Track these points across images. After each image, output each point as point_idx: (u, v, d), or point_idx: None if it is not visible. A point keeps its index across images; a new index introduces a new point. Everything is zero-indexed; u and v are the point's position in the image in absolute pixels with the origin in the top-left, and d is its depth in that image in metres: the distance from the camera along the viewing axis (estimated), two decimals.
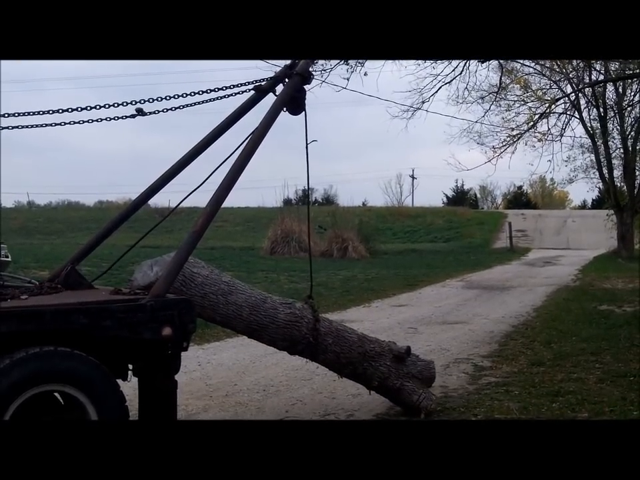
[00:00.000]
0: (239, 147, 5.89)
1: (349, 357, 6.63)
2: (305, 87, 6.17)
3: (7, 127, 5.54)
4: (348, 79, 15.83)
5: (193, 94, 5.88)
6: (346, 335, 6.70)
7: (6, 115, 5.38)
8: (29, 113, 5.57)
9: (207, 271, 6.19)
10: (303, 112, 6.20)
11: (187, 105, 5.99)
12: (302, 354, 6.62)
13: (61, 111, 5.53)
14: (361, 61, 15.14)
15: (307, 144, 6.31)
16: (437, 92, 18.68)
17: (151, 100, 5.76)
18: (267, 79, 6.22)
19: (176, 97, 5.82)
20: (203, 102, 6.06)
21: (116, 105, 5.66)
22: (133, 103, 5.70)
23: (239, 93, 6.11)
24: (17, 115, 5.46)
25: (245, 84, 6.05)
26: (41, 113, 5.57)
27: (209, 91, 5.91)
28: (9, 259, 16.21)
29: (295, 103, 6.12)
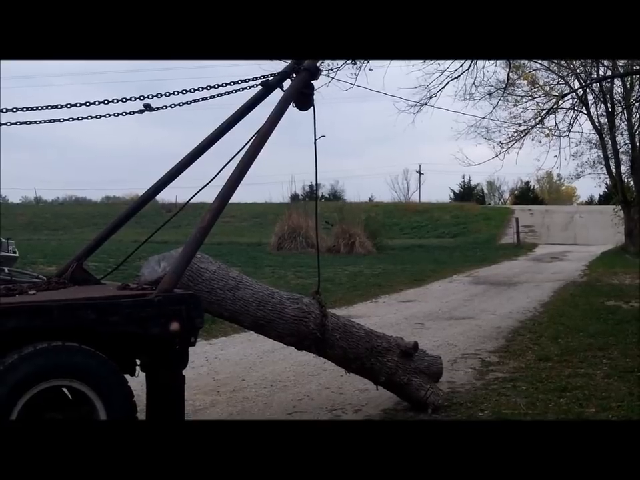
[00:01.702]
0: (248, 142, 5.88)
1: (356, 352, 6.63)
2: (312, 82, 6.16)
3: (15, 123, 5.55)
4: (356, 75, 15.82)
5: (200, 89, 5.88)
6: (353, 331, 6.70)
7: (14, 110, 5.38)
8: (35, 108, 5.58)
9: (215, 266, 6.20)
10: (311, 108, 6.19)
11: (195, 100, 5.98)
12: (309, 349, 6.61)
13: (69, 105, 5.53)
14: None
15: (315, 140, 6.30)
16: (444, 87, 18.65)
17: (159, 95, 5.76)
18: (274, 74, 6.21)
19: (184, 92, 5.82)
20: (210, 97, 6.05)
21: (124, 99, 5.66)
22: (141, 98, 5.71)
23: (246, 88, 6.10)
24: (24, 109, 5.47)
25: (252, 79, 6.04)
26: (49, 107, 5.57)
27: (216, 86, 5.90)
28: (17, 255, 16.26)
29: (303, 98, 6.11)
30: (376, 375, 6.80)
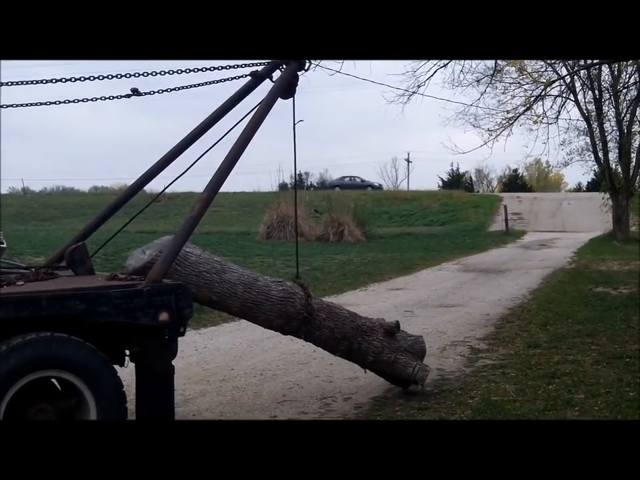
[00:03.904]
0: (225, 135, 5.97)
1: (343, 331, 6.70)
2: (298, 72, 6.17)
3: (2, 106, 5.52)
4: (342, 62, 15.74)
5: (188, 71, 5.85)
6: (337, 311, 6.82)
7: None
8: (18, 83, 5.53)
9: (199, 251, 6.21)
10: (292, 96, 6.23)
11: (183, 87, 5.98)
12: (297, 332, 6.61)
13: (54, 80, 5.50)
14: None
15: (294, 124, 6.35)
16: (432, 75, 18.58)
17: (145, 74, 5.74)
18: (263, 64, 6.19)
19: (171, 72, 5.80)
20: (199, 84, 6.05)
21: (110, 76, 5.64)
22: (127, 76, 5.68)
23: (235, 78, 6.09)
24: (8, 84, 5.42)
25: (241, 66, 6.02)
26: (34, 82, 5.54)
27: (204, 70, 5.87)
28: (4, 246, 16.16)
29: (288, 87, 6.11)
30: (364, 355, 6.87)
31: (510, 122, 23.57)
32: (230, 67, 5.98)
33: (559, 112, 27.96)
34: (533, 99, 23.43)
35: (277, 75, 6.11)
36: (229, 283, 6.17)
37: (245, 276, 6.32)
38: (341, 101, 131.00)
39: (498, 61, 21.36)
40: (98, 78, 5.69)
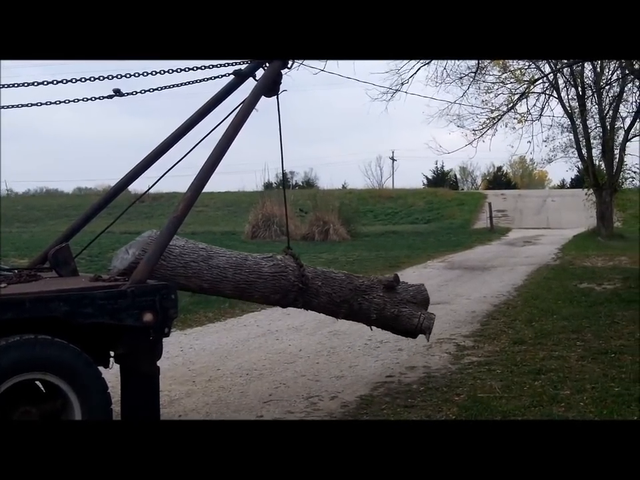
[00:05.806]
0: (208, 134, 5.94)
1: (341, 295, 6.62)
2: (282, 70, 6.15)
3: None
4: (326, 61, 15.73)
5: (171, 71, 5.82)
6: (333, 275, 6.71)
7: None
8: (2, 86, 5.49)
9: (182, 242, 6.12)
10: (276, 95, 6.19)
11: (166, 87, 5.95)
12: (295, 303, 6.54)
13: (36, 84, 5.47)
14: None
15: (279, 122, 6.29)
16: (415, 73, 18.62)
17: (128, 75, 5.71)
18: (246, 62, 6.17)
19: (153, 73, 5.78)
20: (182, 84, 6.02)
21: (92, 79, 5.61)
22: (110, 77, 5.65)
23: (218, 77, 6.07)
24: None
25: (225, 65, 6.00)
26: (16, 85, 5.50)
27: (187, 70, 5.84)
28: None
29: (271, 85, 6.09)
30: (366, 314, 6.78)
31: (494, 121, 23.64)
32: (213, 66, 5.95)
33: (543, 109, 28.04)
34: (516, 97, 23.51)
35: (260, 73, 6.09)
36: (218, 268, 6.10)
37: (233, 258, 6.24)
38: (326, 100, 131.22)
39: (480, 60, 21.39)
40: (80, 80, 5.65)
